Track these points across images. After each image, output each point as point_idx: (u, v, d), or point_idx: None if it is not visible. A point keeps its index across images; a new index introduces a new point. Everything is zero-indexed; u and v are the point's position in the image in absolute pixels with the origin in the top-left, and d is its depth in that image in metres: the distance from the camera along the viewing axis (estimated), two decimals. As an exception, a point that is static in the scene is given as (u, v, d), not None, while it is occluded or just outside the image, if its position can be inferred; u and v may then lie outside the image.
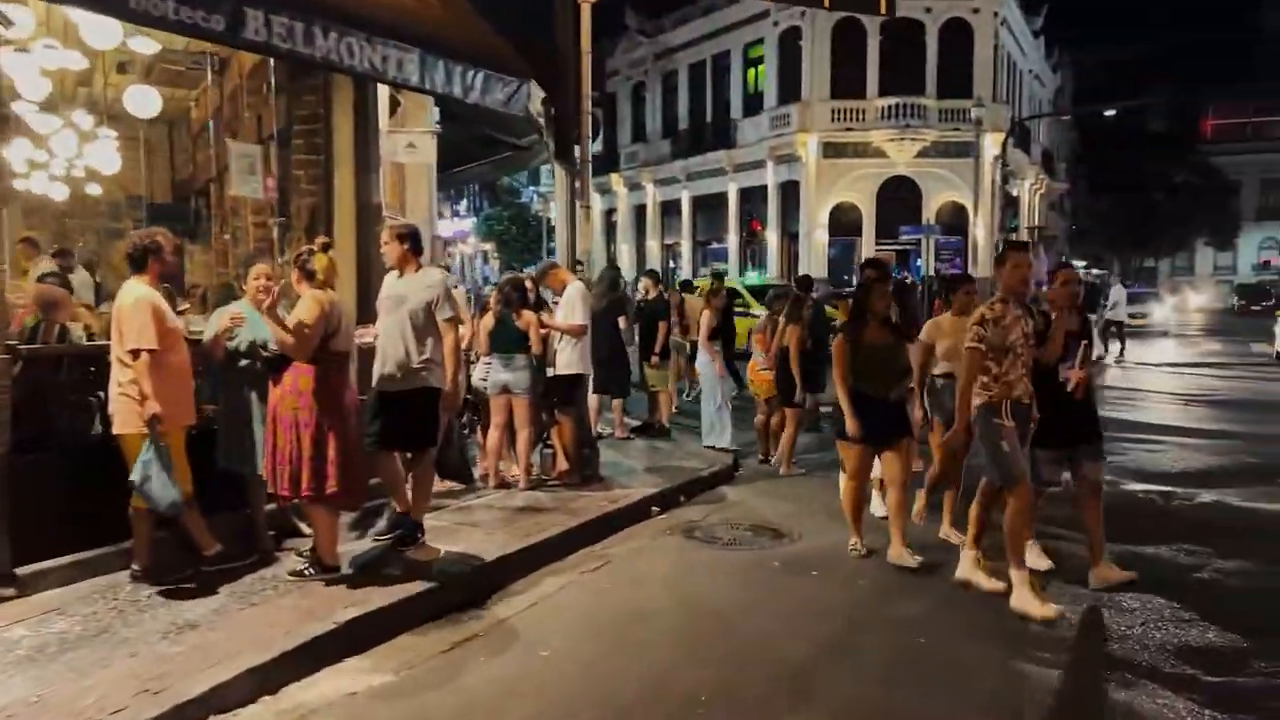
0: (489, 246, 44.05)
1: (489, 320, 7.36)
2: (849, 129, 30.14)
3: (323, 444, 5.03)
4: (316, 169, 6.68)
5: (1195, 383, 16.09)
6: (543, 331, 7.45)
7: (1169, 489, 7.84)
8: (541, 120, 8.24)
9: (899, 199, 30.14)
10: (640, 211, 39.99)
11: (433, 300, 5.45)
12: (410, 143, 7.46)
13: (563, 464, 7.68)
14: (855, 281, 10.77)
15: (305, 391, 5.05)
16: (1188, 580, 5.61)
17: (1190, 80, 49.80)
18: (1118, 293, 21.99)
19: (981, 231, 29.49)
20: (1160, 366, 19.51)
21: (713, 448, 9.25)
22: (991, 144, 28.98)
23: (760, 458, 9.10)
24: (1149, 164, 46.81)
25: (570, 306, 7.60)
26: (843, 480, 6.30)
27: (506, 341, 7.26)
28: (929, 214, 29.62)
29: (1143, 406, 13.60)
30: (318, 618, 4.60)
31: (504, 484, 7.41)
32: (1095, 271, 43.21)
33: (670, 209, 38.24)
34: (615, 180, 40.00)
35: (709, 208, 36.22)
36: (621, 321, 9.58)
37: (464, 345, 7.66)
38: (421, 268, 5.60)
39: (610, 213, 42.13)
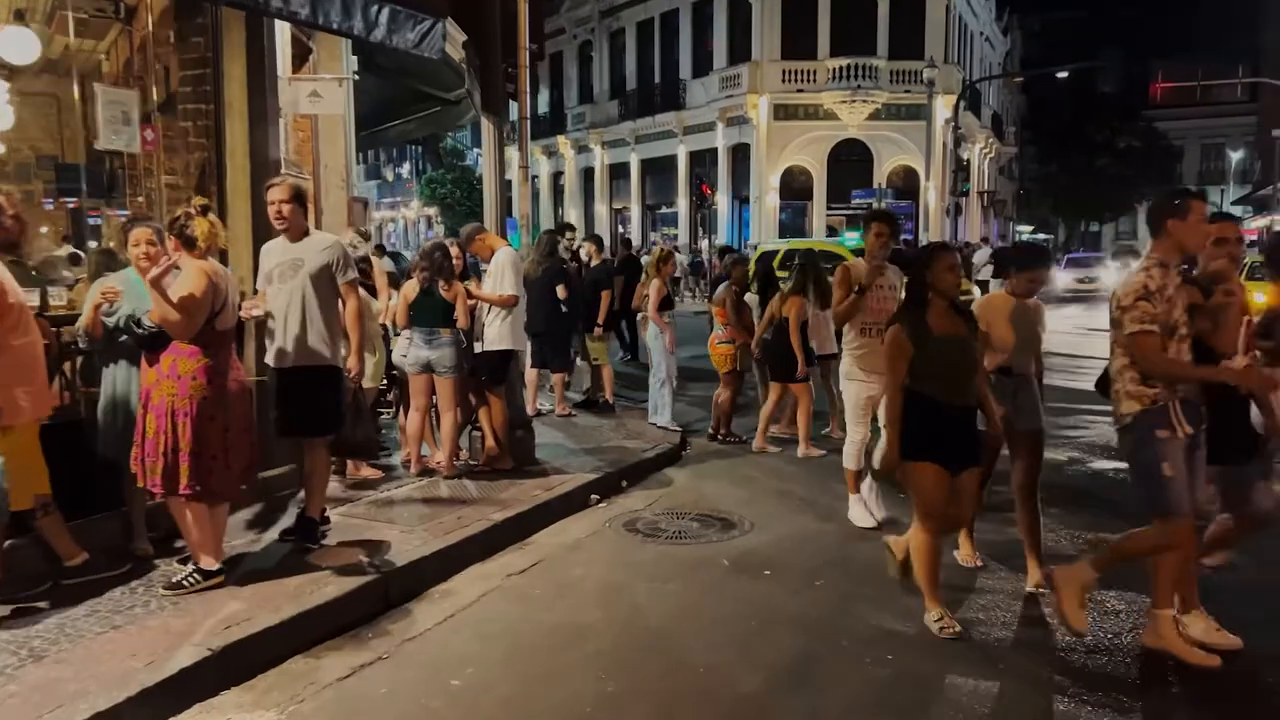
0: (432, 211, 42.74)
1: (410, 290, 6.64)
2: (800, 90, 29.53)
3: (204, 435, 4.40)
4: (205, 120, 5.87)
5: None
6: (470, 303, 6.75)
7: (1138, 466, 7.40)
8: (467, 68, 7.46)
9: (850, 162, 29.75)
10: (588, 175, 39.09)
11: (333, 262, 4.96)
12: (314, 91, 6.65)
13: (493, 448, 7.02)
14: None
15: (185, 376, 4.39)
16: (1172, 574, 5.13)
17: (1140, 43, 49.95)
18: (981, 256, 22.91)
19: (933, 195, 29.19)
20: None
21: (657, 425, 8.67)
22: (943, 106, 28.61)
23: (709, 433, 8.53)
24: (1096, 129, 46.95)
25: (499, 275, 6.89)
26: (910, 533, 4.47)
27: (430, 315, 6.54)
28: (880, 178, 29.29)
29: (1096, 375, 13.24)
30: (191, 642, 3.93)
31: (427, 471, 6.73)
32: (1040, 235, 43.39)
33: (619, 172, 37.42)
34: (562, 143, 39.05)
35: (659, 171, 35.47)
36: (560, 290, 8.81)
37: (384, 319, 7.01)
38: (309, 232, 4.97)
39: (557, 176, 41.18)
